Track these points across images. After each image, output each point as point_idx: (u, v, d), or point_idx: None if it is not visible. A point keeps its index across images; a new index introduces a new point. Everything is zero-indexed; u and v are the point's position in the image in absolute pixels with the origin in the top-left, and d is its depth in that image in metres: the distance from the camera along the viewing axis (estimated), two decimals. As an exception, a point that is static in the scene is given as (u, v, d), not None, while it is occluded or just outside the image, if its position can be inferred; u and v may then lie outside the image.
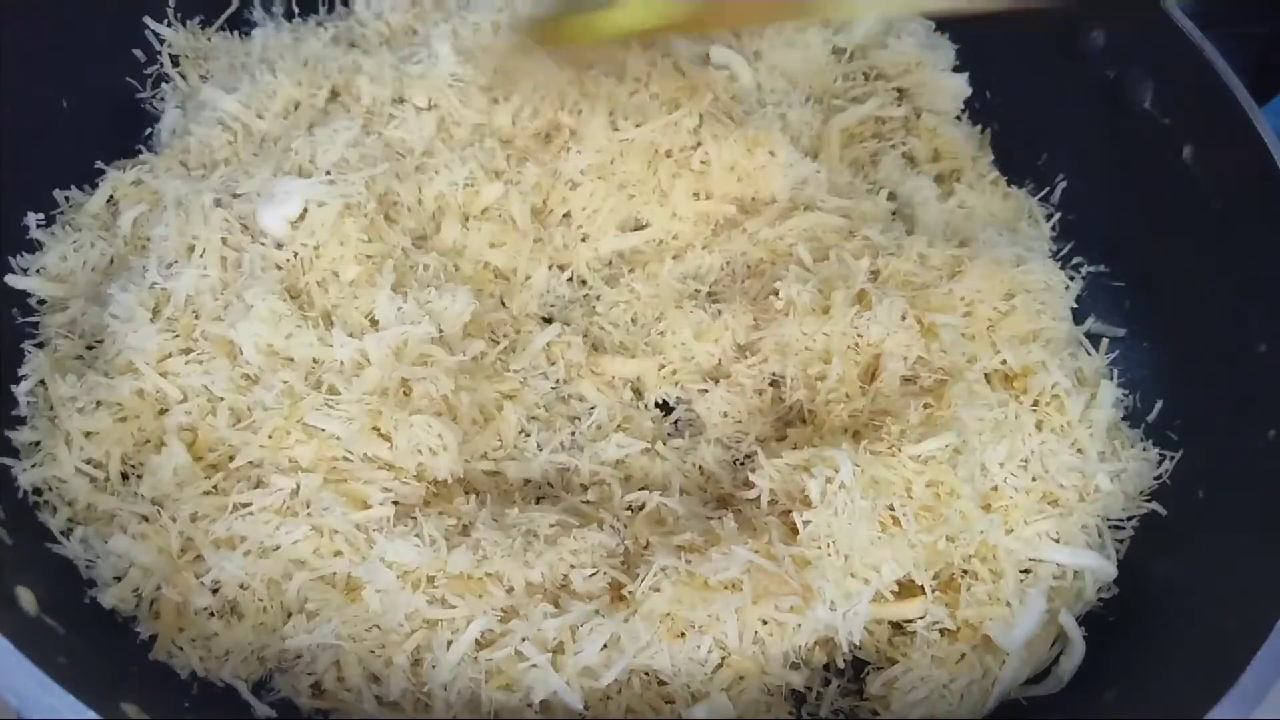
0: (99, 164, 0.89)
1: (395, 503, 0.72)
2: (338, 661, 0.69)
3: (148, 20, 0.94)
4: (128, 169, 0.88)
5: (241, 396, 0.74)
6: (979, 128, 1.04)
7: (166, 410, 0.74)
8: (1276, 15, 0.96)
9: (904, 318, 0.82)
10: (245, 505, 0.70)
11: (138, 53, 0.94)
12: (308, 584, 0.69)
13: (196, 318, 0.76)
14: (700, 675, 0.69)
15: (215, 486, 0.72)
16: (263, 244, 0.81)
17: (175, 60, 0.96)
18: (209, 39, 0.98)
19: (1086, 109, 0.93)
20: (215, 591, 0.69)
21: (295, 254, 0.81)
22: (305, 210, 0.81)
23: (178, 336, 0.76)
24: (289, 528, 0.69)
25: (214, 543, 0.69)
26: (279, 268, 0.80)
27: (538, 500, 0.80)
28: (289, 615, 0.69)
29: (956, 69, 1.02)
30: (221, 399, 0.74)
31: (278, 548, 0.69)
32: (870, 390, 0.82)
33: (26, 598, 0.60)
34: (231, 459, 0.73)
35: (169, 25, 0.96)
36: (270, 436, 0.73)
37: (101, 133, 0.89)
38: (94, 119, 0.89)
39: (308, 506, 0.70)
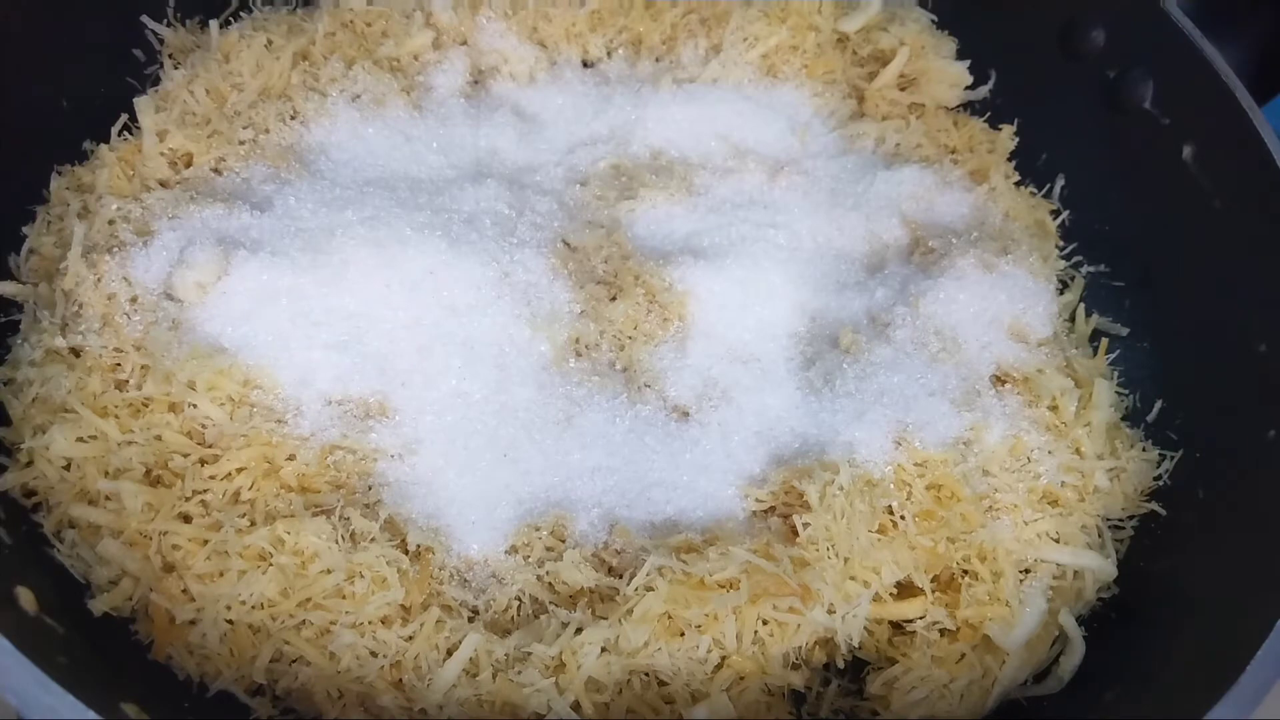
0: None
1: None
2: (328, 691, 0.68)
3: (146, 20, 0.94)
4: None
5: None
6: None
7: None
8: (1276, 15, 0.96)
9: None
10: (221, 548, 0.68)
11: (138, 53, 0.94)
12: (282, 638, 0.67)
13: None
14: (700, 675, 0.69)
15: (186, 512, 0.70)
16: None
17: (176, 61, 0.95)
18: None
19: (1086, 109, 0.93)
20: (194, 623, 0.67)
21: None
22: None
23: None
24: (256, 576, 0.67)
25: (197, 576, 0.67)
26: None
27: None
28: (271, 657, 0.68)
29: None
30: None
31: (244, 602, 0.67)
32: None
33: (26, 598, 0.60)
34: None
35: (168, 25, 0.95)
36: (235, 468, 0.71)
37: (102, 134, 0.89)
38: (94, 120, 0.89)
39: (281, 544, 0.68)
